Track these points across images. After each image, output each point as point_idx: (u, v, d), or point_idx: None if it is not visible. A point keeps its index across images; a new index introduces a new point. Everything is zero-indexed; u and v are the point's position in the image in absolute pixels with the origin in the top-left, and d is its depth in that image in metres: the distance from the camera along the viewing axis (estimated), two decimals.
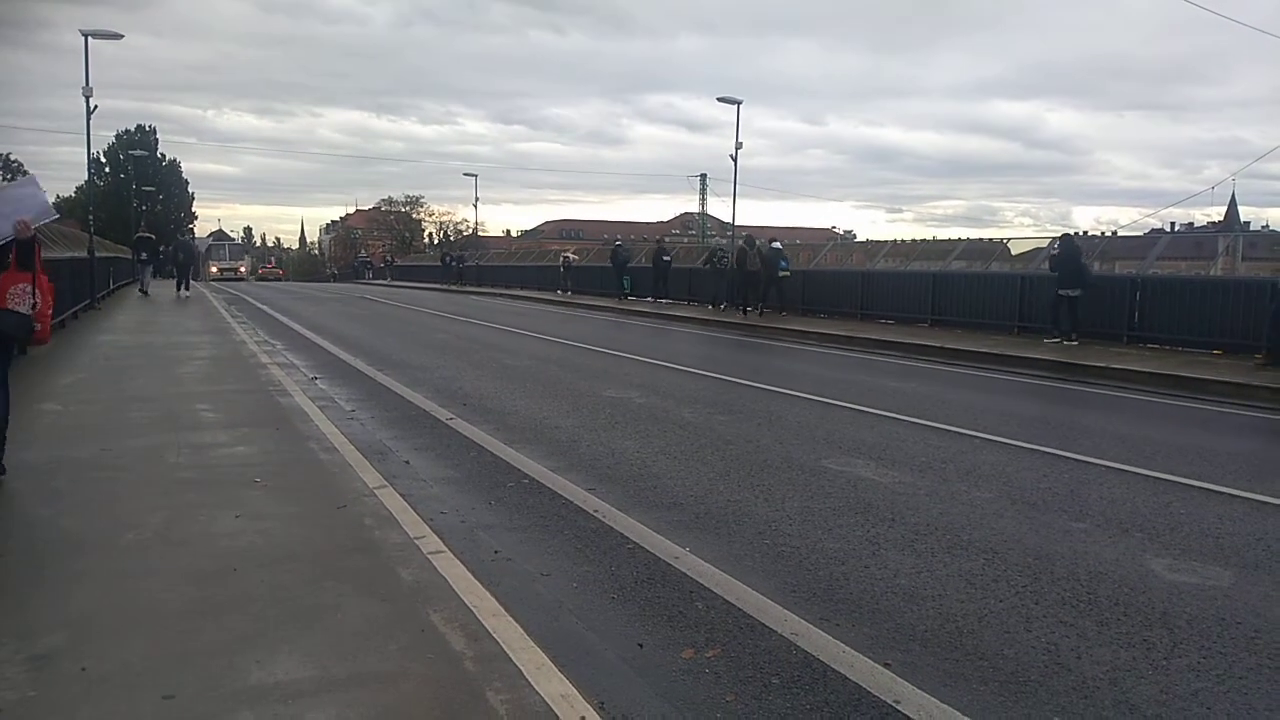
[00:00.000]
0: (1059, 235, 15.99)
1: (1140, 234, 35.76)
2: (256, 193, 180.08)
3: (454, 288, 39.43)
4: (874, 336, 16.02)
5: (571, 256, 34.18)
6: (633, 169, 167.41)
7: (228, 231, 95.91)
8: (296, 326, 17.74)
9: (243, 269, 61.89)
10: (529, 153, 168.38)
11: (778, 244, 21.52)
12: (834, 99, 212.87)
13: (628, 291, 27.52)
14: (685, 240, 73.32)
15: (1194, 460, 6.89)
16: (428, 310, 24.02)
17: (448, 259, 47.31)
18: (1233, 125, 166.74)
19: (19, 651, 3.15)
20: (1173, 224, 60.79)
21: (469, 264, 44.87)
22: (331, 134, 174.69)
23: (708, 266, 24.53)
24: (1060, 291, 14.71)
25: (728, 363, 12.99)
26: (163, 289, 27.33)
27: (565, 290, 31.70)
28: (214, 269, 57.77)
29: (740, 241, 22.23)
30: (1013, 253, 21.43)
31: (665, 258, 26.36)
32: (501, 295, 33.99)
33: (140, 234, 28.49)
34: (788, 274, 20.68)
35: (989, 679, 3.28)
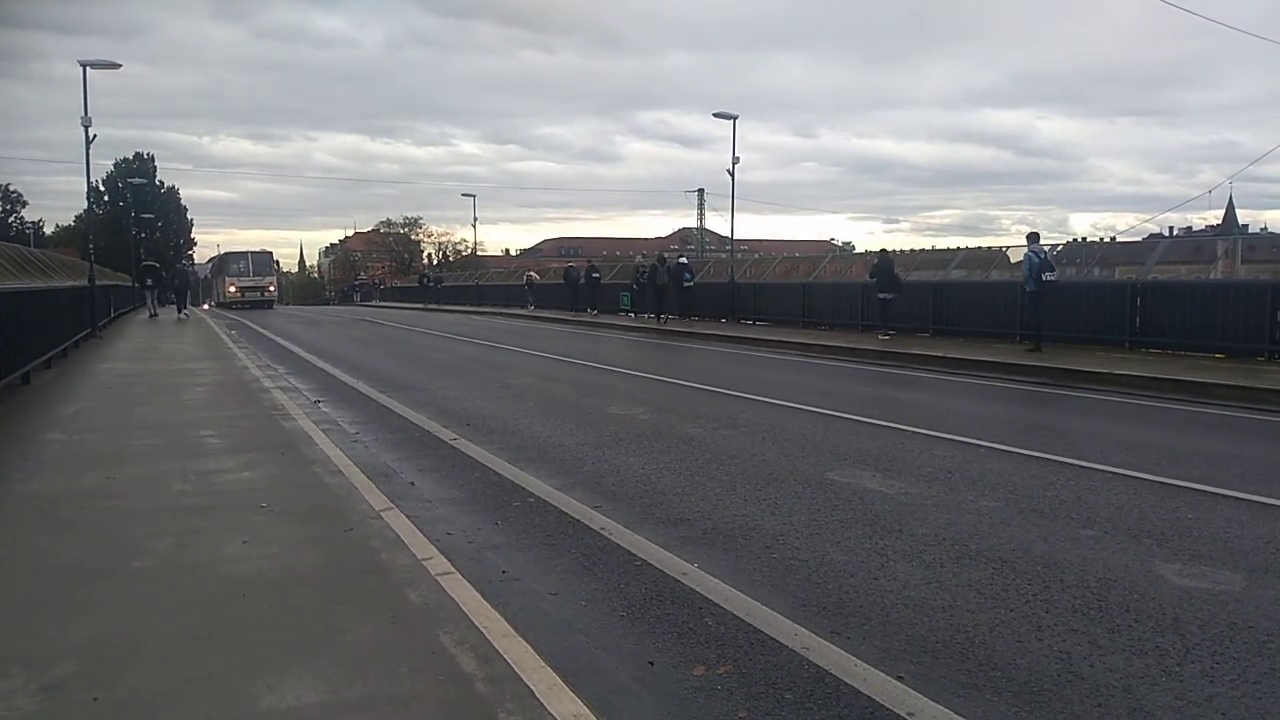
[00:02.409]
0: (878, 250, 20.37)
1: (1139, 239, 35.90)
2: (254, 218, 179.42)
3: (431, 306, 42.69)
4: (874, 348, 16.03)
5: (534, 275, 37.98)
6: (629, 186, 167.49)
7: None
8: (298, 350, 17.77)
9: (273, 289, 46.18)
10: (524, 172, 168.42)
11: (684, 260, 26.37)
12: (825, 111, 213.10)
13: (626, 308, 28.37)
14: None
15: (1199, 464, 6.88)
16: (418, 329, 25.28)
17: (425, 280, 52.18)
18: (1224, 129, 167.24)
19: (30, 681, 3.14)
20: (1171, 228, 60.98)
21: (445, 285, 49.29)
22: (327, 158, 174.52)
23: (634, 284, 27.70)
24: (879, 295, 17.89)
25: (732, 377, 12.98)
26: (168, 313, 29.75)
27: (529, 305, 34.83)
28: (232, 288, 43.75)
29: (653, 260, 26.36)
30: (1012, 260, 21.42)
31: (594, 275, 30.25)
32: (475, 312, 36.49)
33: (146, 263, 33.00)
34: (691, 285, 24.71)
35: (1002, 689, 3.27)
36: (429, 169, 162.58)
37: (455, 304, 42.80)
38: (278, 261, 55.14)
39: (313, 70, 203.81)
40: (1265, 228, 68.44)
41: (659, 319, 24.14)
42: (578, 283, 31.29)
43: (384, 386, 11.57)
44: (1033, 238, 15.27)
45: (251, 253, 46.19)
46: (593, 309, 29.55)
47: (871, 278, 18.41)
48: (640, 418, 9.06)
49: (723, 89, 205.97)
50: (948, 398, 10.87)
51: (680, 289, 24.32)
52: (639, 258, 30.61)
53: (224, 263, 48.12)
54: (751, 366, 14.74)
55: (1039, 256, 14.57)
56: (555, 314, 30.62)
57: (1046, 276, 14.36)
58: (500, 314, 34.15)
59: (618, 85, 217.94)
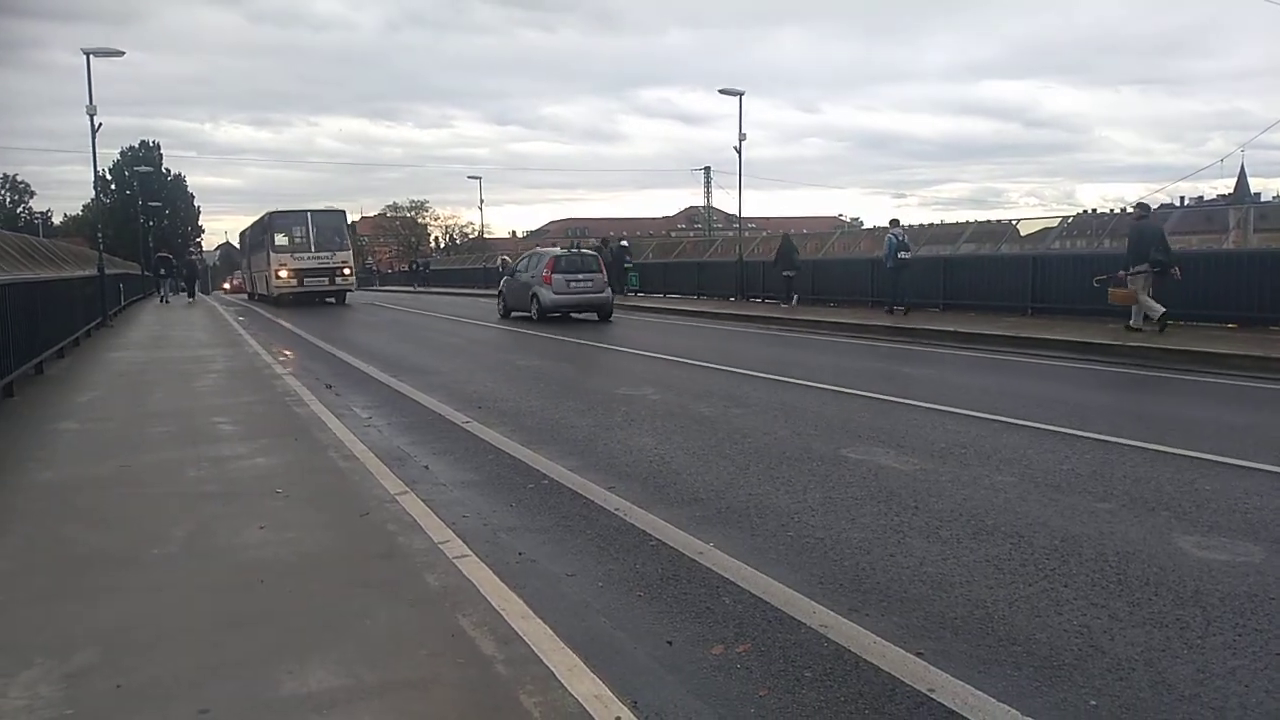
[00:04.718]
0: (781, 234, 24.11)
1: None
2: (261, 204, 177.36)
3: (421, 289, 46.28)
4: (885, 324, 15.98)
5: (508, 260, 40.30)
6: (633, 165, 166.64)
7: (236, 245, 55.77)
8: (307, 335, 17.80)
9: (348, 270, 29.77)
10: (527, 153, 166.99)
11: (625, 243, 30.49)
12: (827, 86, 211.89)
13: (633, 287, 28.95)
14: (691, 234, 73.31)
15: (1215, 435, 6.83)
16: (419, 311, 26.28)
17: (414, 265, 58.49)
18: (1232, 97, 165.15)
19: (53, 669, 3.16)
20: (1182, 198, 60.35)
21: (432, 269, 55.60)
22: (330, 142, 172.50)
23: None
24: (783, 273, 21.41)
25: (739, 355, 12.96)
26: (178, 300, 32.18)
27: None
28: (283, 272, 28.39)
29: (596, 243, 29.74)
30: (1022, 233, 21.32)
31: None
32: (460, 294, 38.78)
33: (159, 254, 37.34)
34: (631, 266, 28.48)
35: (1023, 664, 3.26)
36: (433, 151, 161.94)
37: (446, 286, 46.04)
38: (351, 224, 37.84)
39: (311, 53, 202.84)
40: (1277, 196, 67.72)
41: (622, 292, 26.87)
42: None
43: (394, 370, 11.59)
44: (893, 222, 18.61)
45: (313, 212, 29.48)
46: None
47: (775, 259, 21.91)
48: (650, 397, 9.05)
49: (723, 65, 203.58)
50: (960, 373, 10.83)
51: (620, 269, 27.55)
52: (591, 241, 31.89)
53: (266, 231, 29.74)
54: (758, 344, 14.71)
55: (898, 239, 17.33)
56: None
57: (902, 255, 17.24)
58: (488, 295, 35.41)
59: (618, 63, 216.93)
